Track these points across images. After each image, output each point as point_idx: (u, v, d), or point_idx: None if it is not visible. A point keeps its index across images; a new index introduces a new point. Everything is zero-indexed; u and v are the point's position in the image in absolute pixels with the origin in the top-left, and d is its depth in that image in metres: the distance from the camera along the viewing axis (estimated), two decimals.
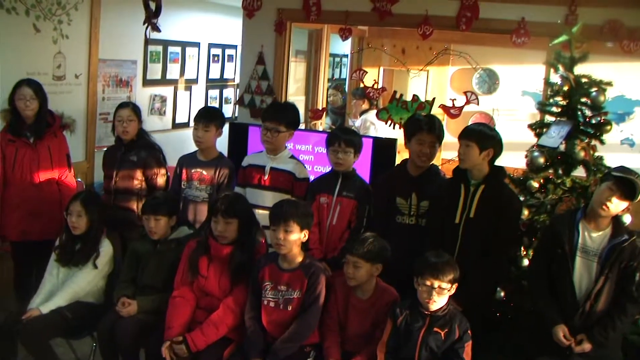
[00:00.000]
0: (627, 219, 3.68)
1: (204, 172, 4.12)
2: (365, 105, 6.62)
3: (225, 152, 4.51)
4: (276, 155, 4.01)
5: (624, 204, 3.19)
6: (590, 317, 3.22)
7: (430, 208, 3.64)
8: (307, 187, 3.97)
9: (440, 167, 4.21)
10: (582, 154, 3.85)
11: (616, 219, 3.26)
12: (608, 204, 3.15)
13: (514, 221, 3.51)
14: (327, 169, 4.21)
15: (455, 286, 3.12)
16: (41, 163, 4.26)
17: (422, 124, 3.69)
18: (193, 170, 4.15)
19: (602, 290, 3.20)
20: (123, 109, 4.34)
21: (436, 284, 3.07)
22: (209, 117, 4.16)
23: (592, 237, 3.24)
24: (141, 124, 4.40)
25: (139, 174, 4.33)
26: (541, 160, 3.93)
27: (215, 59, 7.85)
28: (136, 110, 4.37)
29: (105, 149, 4.78)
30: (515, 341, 3.50)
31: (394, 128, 4.94)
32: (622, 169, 3.27)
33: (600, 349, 3.20)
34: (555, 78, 4.08)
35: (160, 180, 4.37)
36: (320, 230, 3.82)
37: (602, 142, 3.92)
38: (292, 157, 4.07)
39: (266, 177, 3.99)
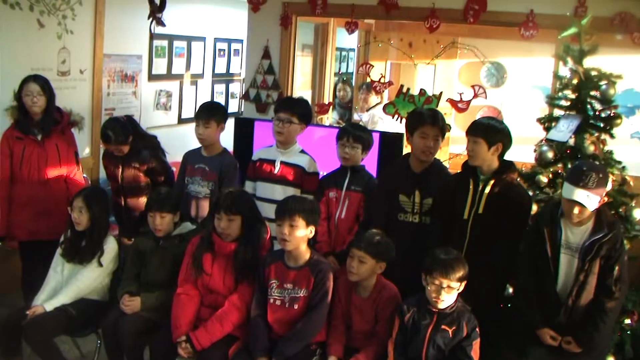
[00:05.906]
0: (637, 214, 3.64)
1: (207, 168, 4.10)
2: (377, 98, 6.56)
3: (230, 148, 4.47)
4: (286, 149, 4.01)
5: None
6: (575, 314, 3.16)
7: (436, 204, 3.59)
8: (317, 182, 3.97)
9: (447, 162, 4.16)
10: (591, 148, 3.80)
11: (598, 214, 3.15)
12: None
13: (524, 219, 3.44)
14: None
15: (464, 284, 3.08)
16: (49, 161, 4.23)
17: (425, 117, 3.64)
18: (196, 166, 4.13)
19: (584, 286, 3.13)
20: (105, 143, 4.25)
21: (445, 283, 3.03)
22: (208, 113, 4.11)
23: (574, 232, 3.18)
24: (129, 139, 4.23)
25: (143, 174, 4.30)
26: (550, 154, 3.88)
27: (221, 53, 7.81)
28: (121, 133, 4.19)
29: None
30: (516, 337, 3.42)
31: (400, 122, 4.90)
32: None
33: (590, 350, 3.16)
34: (565, 71, 4.03)
35: (164, 179, 4.35)
36: (329, 224, 3.85)
37: (612, 136, 3.87)
38: (303, 151, 4.06)
39: (276, 170, 3.99)
